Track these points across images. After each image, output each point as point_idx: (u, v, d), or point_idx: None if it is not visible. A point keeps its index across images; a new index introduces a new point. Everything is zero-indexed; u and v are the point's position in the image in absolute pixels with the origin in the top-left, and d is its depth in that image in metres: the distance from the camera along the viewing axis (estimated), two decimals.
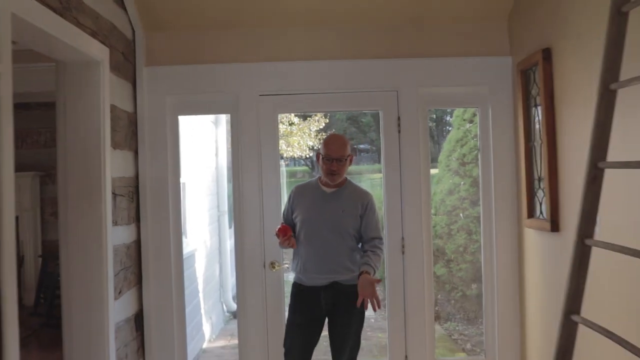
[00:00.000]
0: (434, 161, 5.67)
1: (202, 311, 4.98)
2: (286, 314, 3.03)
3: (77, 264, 2.77)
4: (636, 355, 1.61)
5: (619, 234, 2.21)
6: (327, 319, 2.91)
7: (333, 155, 2.81)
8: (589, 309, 1.91)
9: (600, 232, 2.31)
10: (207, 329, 5.08)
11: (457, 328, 5.28)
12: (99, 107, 2.78)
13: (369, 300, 2.64)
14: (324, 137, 9.05)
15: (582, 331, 1.81)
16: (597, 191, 2.05)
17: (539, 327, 3.14)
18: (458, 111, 5.26)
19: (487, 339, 3.52)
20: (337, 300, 2.82)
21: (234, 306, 6.02)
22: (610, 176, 1.91)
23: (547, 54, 2.85)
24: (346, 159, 2.84)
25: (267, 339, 3.38)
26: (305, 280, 2.84)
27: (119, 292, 3.03)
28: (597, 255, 1.91)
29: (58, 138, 2.79)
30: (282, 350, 2.93)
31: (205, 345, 4.97)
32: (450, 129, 7.30)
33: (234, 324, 5.77)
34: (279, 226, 2.93)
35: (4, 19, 1.89)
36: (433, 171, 6.33)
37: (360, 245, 2.94)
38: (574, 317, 2.02)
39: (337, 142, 2.89)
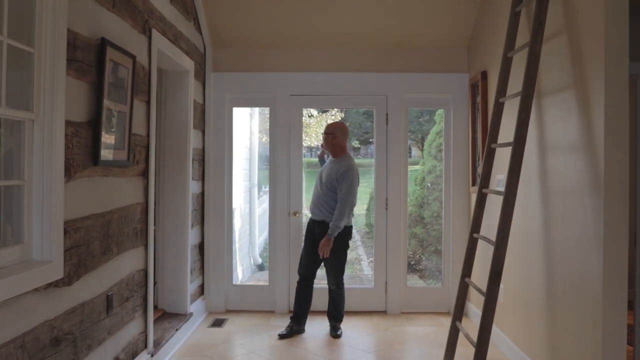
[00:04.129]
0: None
1: (237, 257, 6.41)
2: (302, 247, 4.47)
3: (170, 204, 4.20)
4: (490, 244, 3.02)
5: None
6: None
7: (324, 131, 4.30)
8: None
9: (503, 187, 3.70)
10: (239, 272, 6.52)
11: (436, 284, 6.67)
12: (187, 101, 4.22)
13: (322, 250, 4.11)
14: None
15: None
16: (491, 161, 3.48)
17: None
18: (440, 110, 6.56)
19: (444, 271, 4.91)
20: (324, 233, 4.14)
21: (259, 260, 7.46)
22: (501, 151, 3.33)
23: (484, 75, 4.22)
24: (331, 134, 4.21)
25: (289, 261, 4.82)
26: (310, 215, 4.27)
27: (192, 225, 4.47)
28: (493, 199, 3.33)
29: (159, 120, 4.21)
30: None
31: (237, 283, 6.39)
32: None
33: (258, 274, 7.20)
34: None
35: (154, 52, 3.35)
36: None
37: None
38: (475, 235, 3.46)
39: (328, 124, 4.35)
